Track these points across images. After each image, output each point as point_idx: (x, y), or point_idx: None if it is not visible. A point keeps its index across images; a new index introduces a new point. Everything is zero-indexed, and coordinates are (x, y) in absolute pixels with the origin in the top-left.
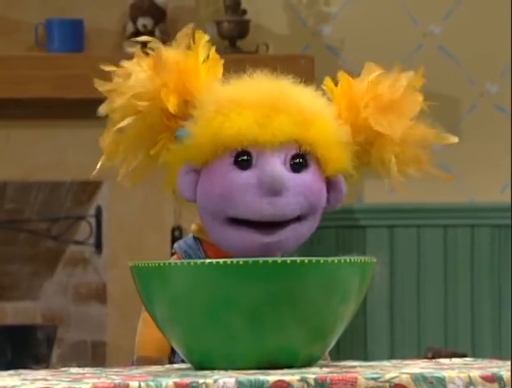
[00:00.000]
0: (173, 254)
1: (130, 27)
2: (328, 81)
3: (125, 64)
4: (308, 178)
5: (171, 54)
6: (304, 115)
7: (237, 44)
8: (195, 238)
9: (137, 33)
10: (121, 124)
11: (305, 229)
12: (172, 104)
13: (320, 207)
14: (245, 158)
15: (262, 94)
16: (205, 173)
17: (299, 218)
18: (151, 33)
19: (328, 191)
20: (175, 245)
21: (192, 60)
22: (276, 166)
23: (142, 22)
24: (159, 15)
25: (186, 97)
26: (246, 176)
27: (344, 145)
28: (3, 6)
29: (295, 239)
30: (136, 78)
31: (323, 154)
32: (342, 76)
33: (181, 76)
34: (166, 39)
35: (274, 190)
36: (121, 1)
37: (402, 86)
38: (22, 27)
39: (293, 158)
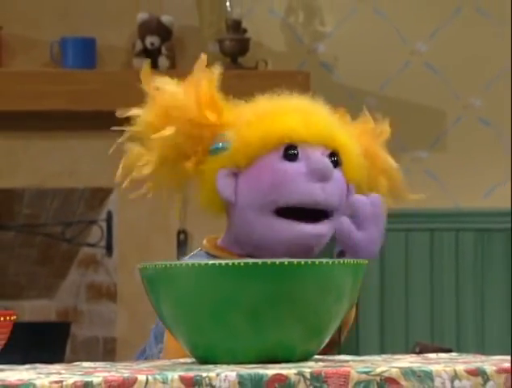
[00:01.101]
0: None
1: (138, 45)
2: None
3: (158, 79)
4: (341, 175)
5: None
6: (332, 123)
7: (238, 61)
8: (208, 253)
9: (145, 50)
10: (167, 132)
11: (332, 228)
12: (211, 115)
13: (343, 206)
14: (294, 151)
15: (296, 103)
16: (250, 172)
17: (331, 214)
18: (158, 50)
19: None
20: (188, 259)
21: (210, 84)
22: (321, 156)
23: (150, 40)
24: (165, 34)
25: (216, 113)
26: (296, 166)
27: (359, 157)
28: (21, 25)
29: (328, 237)
30: (171, 92)
31: (345, 159)
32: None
33: (208, 95)
34: (172, 55)
35: (324, 175)
36: (130, 20)
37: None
38: (38, 45)
39: (330, 155)
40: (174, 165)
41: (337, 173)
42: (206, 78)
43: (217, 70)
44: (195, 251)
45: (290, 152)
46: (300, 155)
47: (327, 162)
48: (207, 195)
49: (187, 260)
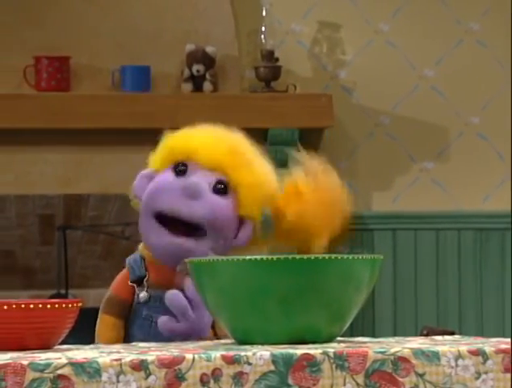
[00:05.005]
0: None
1: (186, 72)
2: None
3: None
4: (223, 202)
5: None
6: (240, 155)
7: (271, 85)
8: (140, 255)
9: (192, 76)
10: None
11: (205, 246)
12: None
13: (225, 231)
14: (181, 168)
15: (206, 129)
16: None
17: (203, 233)
18: (203, 76)
19: (238, 228)
20: (127, 259)
21: None
22: (200, 178)
23: (196, 67)
24: (210, 62)
25: None
26: (176, 181)
27: (263, 196)
28: (87, 55)
29: (198, 253)
30: None
31: (242, 193)
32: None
33: None
34: (215, 81)
35: (193, 193)
36: (179, 51)
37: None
38: (101, 72)
39: (217, 183)
40: None
41: (214, 197)
42: None
43: None
44: (135, 253)
45: (178, 168)
46: (188, 173)
47: (198, 183)
48: None
49: (128, 261)
